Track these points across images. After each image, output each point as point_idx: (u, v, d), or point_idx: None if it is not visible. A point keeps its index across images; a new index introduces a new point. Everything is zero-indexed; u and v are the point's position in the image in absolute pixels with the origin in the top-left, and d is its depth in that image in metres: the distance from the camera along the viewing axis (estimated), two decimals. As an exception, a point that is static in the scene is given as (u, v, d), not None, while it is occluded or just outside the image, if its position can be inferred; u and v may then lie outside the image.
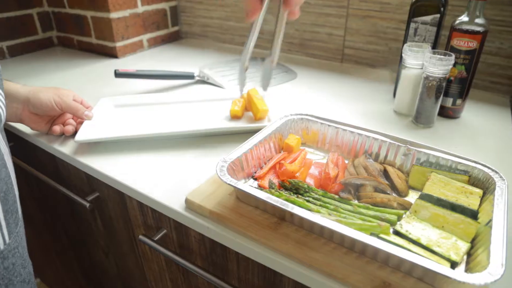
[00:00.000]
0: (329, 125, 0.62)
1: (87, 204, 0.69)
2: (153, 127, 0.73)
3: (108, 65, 1.15)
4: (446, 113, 0.77)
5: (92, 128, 0.71)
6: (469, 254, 0.43)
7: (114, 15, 1.14)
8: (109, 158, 0.65)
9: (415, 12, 0.76)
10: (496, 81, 0.88)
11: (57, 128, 0.71)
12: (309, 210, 0.47)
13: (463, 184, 0.50)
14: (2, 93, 0.50)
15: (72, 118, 0.75)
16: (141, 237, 0.60)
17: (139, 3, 1.21)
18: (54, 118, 0.74)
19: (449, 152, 0.53)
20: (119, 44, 1.19)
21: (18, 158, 0.87)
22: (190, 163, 0.63)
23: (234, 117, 0.74)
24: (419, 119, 0.74)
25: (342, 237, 0.43)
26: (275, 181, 0.55)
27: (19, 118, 0.71)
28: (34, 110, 0.70)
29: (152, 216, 0.63)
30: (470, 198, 0.49)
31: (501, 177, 0.49)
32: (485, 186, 0.50)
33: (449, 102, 0.76)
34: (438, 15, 0.74)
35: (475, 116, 0.78)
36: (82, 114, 0.72)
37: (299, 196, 0.51)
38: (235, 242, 0.48)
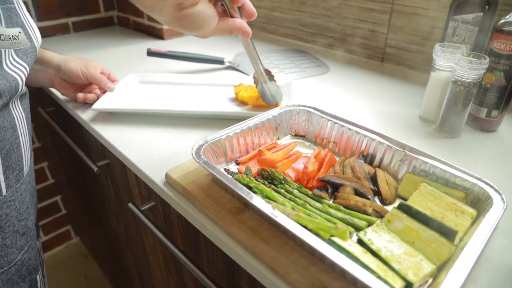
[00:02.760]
0: (328, 120, 0.59)
1: (95, 169, 0.74)
2: (164, 105, 0.75)
3: (153, 45, 1.21)
4: (479, 125, 0.69)
5: (111, 99, 0.75)
6: (436, 277, 0.37)
7: (163, -2, 1.19)
8: (119, 129, 0.69)
9: (456, 9, 0.68)
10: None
11: (80, 95, 0.76)
12: (274, 201, 0.46)
13: (455, 200, 0.44)
14: (26, 65, 0.55)
15: (99, 89, 0.80)
16: (130, 204, 0.63)
17: (190, -12, 1.25)
18: (83, 86, 0.80)
19: (448, 163, 0.47)
20: (166, 26, 1.24)
21: (56, 123, 0.96)
22: (190, 141, 0.64)
23: (242, 102, 0.74)
24: (443, 127, 0.66)
25: (292, 233, 0.40)
26: (255, 168, 0.53)
27: (52, 83, 0.78)
28: (64, 77, 0.76)
29: (144, 187, 0.65)
30: (459, 217, 0.43)
31: (502, 199, 0.42)
32: (483, 207, 0.43)
33: (483, 112, 0.67)
34: (481, 14, 0.65)
35: (515, 132, 0.68)
36: (105, 86, 0.77)
37: (272, 186, 0.49)
38: (198, 220, 0.47)
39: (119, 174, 0.75)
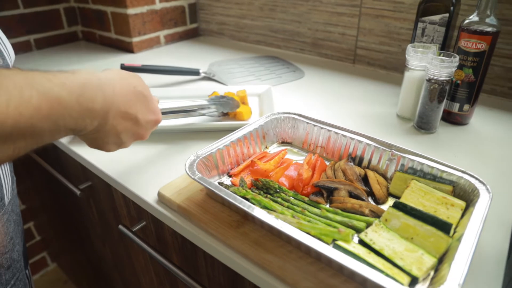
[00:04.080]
0: (314, 125, 0.60)
1: (78, 192, 0.71)
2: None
3: (124, 60, 1.19)
4: (453, 119, 0.72)
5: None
6: (437, 269, 0.39)
7: (131, 11, 1.17)
8: (100, 148, 0.67)
9: (423, 11, 0.72)
10: (517, 87, 0.81)
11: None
12: (274, 210, 0.46)
13: (445, 194, 0.46)
14: None
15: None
16: (120, 226, 0.61)
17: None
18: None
19: (434, 159, 0.50)
20: (135, 39, 1.22)
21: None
22: (176, 157, 0.63)
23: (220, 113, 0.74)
24: (421, 124, 0.69)
25: (298, 241, 0.41)
26: (248, 179, 0.53)
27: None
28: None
29: (133, 207, 0.64)
30: (450, 210, 0.45)
31: (487, 189, 0.45)
32: (470, 198, 0.46)
33: (455, 107, 0.71)
34: (447, 15, 0.69)
35: (486, 123, 0.72)
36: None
37: (268, 196, 0.49)
38: (197, 237, 0.47)
39: (104, 195, 0.73)
